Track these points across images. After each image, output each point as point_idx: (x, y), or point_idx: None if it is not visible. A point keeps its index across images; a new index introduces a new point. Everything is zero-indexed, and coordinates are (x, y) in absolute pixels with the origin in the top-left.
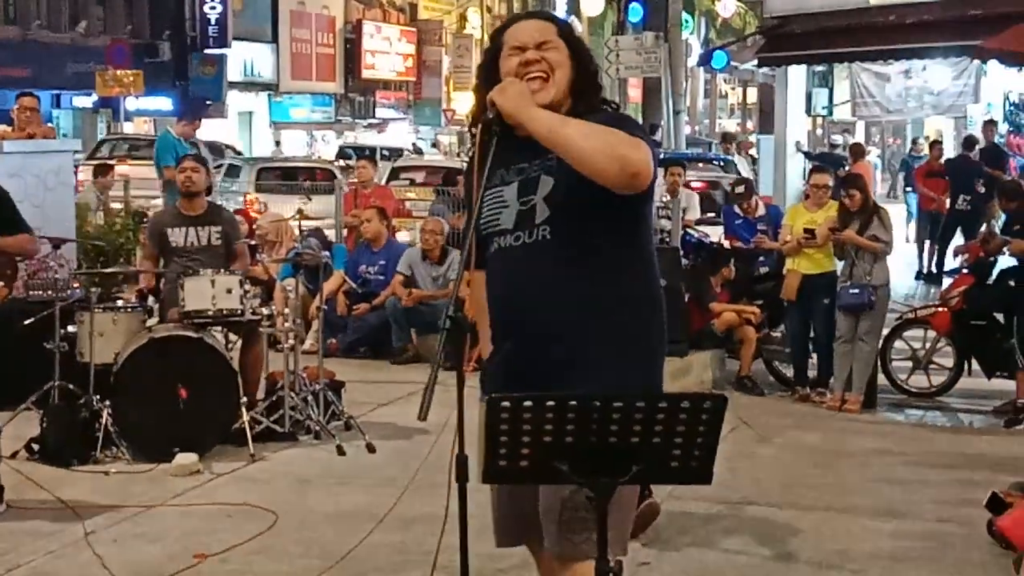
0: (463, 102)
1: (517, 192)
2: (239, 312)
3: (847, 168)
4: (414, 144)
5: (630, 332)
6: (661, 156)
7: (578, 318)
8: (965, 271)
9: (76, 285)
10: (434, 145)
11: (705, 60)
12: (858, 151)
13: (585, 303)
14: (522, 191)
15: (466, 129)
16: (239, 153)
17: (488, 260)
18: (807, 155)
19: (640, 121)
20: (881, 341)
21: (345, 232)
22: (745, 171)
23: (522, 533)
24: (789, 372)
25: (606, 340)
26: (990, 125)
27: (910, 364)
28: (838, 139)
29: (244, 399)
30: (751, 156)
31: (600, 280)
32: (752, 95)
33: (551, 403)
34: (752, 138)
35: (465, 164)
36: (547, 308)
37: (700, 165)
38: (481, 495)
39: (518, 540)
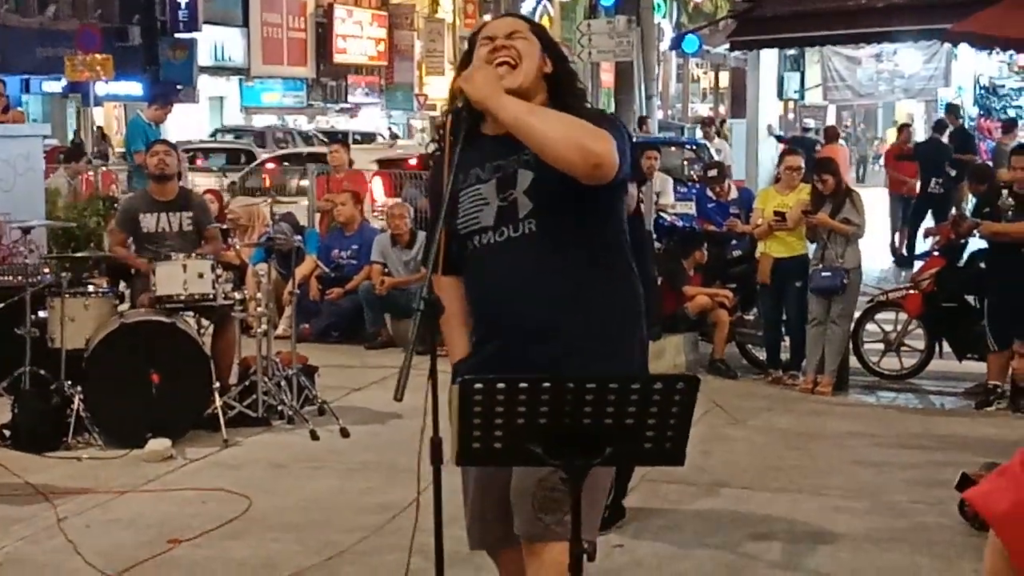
0: (436, 87)
1: (496, 189)
2: (211, 297)
3: (819, 150)
4: (390, 129)
5: (616, 323)
6: (634, 139)
7: (564, 310)
8: (936, 254)
9: (46, 270)
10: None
11: (677, 44)
12: (832, 134)
13: (570, 295)
14: (501, 187)
15: (435, 113)
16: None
17: (467, 260)
18: (779, 139)
19: (614, 109)
20: (853, 324)
21: (318, 216)
22: (727, 155)
23: (497, 537)
24: (762, 355)
25: (592, 332)
26: (952, 110)
27: (882, 346)
28: (810, 123)
29: (217, 384)
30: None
31: (584, 272)
32: (724, 79)
33: (524, 385)
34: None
35: (430, 154)
36: (532, 301)
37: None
38: (457, 478)
39: (493, 543)
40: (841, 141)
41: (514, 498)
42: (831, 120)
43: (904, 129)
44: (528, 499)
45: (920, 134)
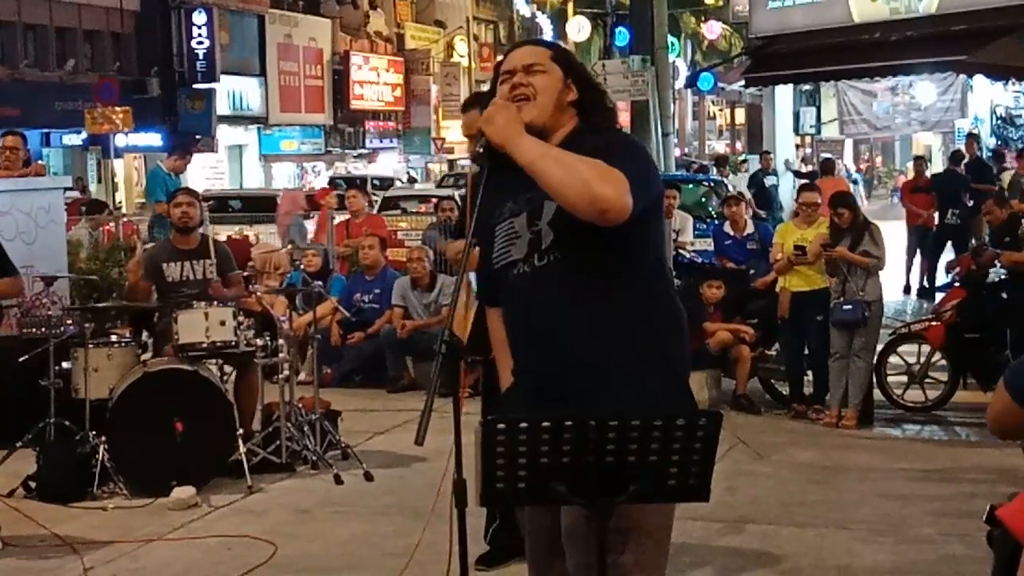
0: (453, 130)
1: (526, 221)
2: (233, 344)
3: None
4: (408, 173)
5: (647, 351)
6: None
7: (592, 340)
8: (957, 285)
9: (69, 322)
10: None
11: (692, 82)
12: (828, 167)
13: (598, 325)
14: (530, 219)
15: (453, 156)
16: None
17: (504, 292)
18: (796, 173)
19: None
20: (876, 356)
21: (338, 263)
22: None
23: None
24: (785, 390)
25: (623, 361)
26: (972, 139)
27: (905, 379)
28: (827, 157)
29: (240, 431)
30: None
31: (612, 301)
32: (740, 116)
33: (547, 424)
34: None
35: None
36: (561, 332)
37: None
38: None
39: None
40: (843, 173)
41: (565, 538)
42: (848, 154)
43: (918, 161)
44: (580, 540)
45: (938, 166)
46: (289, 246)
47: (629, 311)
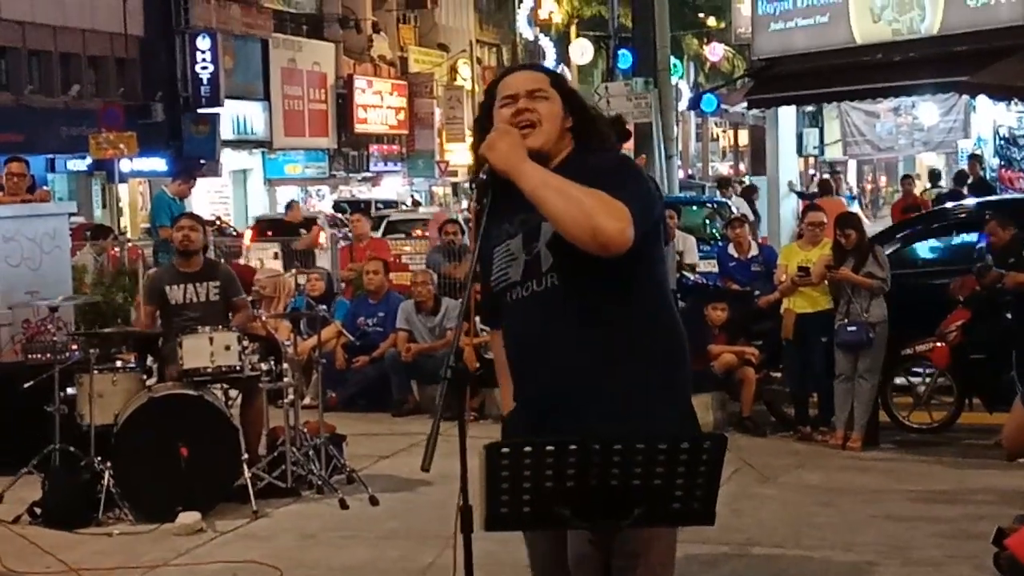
0: (456, 153)
1: (522, 243)
2: (238, 368)
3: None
4: (412, 196)
5: (648, 375)
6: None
7: (592, 364)
8: (962, 306)
9: (75, 347)
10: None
11: (695, 104)
12: (825, 187)
13: (598, 348)
14: (527, 241)
15: (457, 179)
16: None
17: (504, 315)
18: (800, 195)
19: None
20: (880, 378)
21: (343, 285)
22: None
23: None
24: (791, 412)
25: (623, 384)
26: (975, 160)
27: (911, 400)
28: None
29: (246, 456)
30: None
31: (612, 323)
32: (743, 137)
33: (550, 448)
34: (745, 180)
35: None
36: (561, 356)
37: None
38: (487, 544)
39: None
40: (845, 195)
41: (573, 566)
42: (852, 175)
43: (907, 180)
44: (588, 567)
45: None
46: (293, 270)
47: (630, 334)
